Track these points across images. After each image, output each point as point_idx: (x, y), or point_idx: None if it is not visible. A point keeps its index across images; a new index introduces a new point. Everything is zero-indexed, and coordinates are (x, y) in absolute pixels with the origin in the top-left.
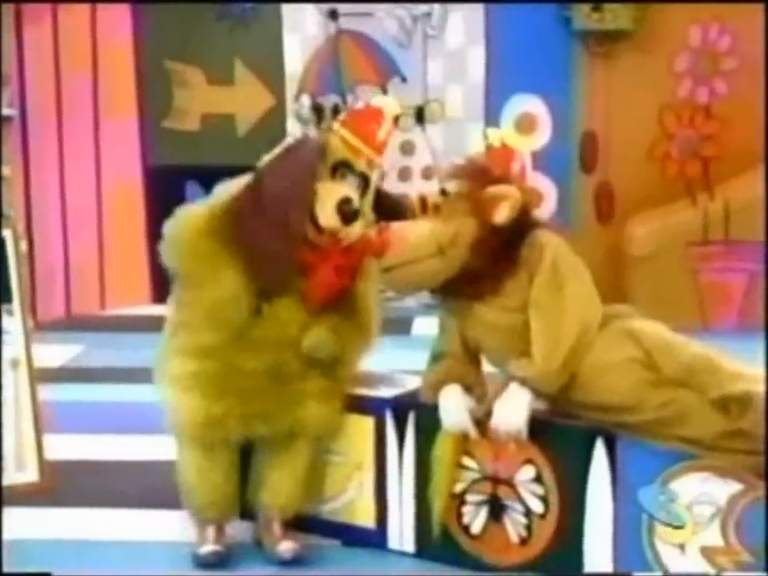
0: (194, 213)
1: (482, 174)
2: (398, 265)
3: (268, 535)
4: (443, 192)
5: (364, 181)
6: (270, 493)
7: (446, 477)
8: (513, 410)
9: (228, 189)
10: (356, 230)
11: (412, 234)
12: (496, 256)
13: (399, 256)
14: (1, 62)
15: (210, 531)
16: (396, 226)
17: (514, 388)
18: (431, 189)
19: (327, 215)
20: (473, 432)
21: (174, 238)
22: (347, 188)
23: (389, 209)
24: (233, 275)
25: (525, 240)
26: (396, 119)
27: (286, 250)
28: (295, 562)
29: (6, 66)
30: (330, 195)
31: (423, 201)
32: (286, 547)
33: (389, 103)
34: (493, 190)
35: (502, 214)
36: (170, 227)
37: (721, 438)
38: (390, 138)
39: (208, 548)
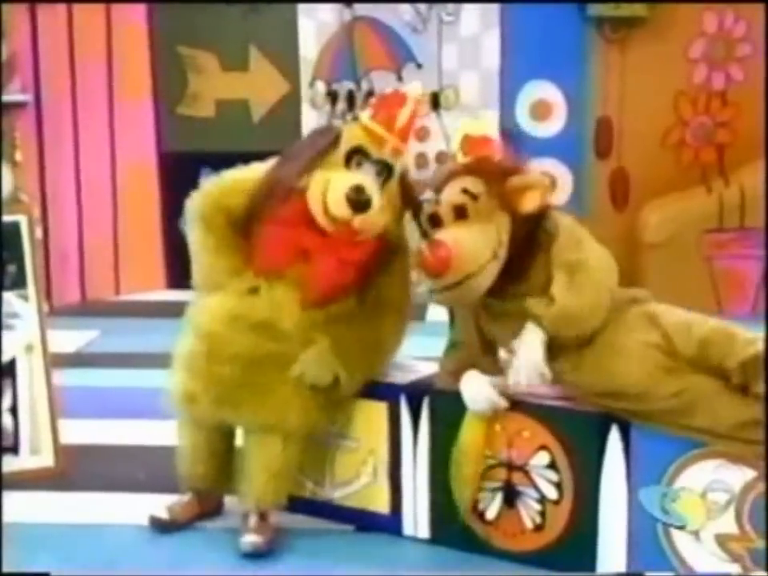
0: (217, 185)
1: (497, 169)
2: (462, 280)
3: (242, 524)
4: (467, 192)
5: (386, 169)
6: (246, 484)
7: (473, 465)
8: (531, 347)
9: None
10: (369, 221)
11: (468, 244)
12: (524, 245)
13: (462, 270)
14: (1, 50)
15: (182, 500)
16: (449, 238)
17: (530, 327)
18: (452, 192)
19: (337, 203)
20: (502, 403)
21: (192, 207)
22: (362, 176)
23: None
24: (232, 251)
25: (542, 224)
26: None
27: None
28: (257, 555)
29: (14, 51)
30: (342, 183)
31: (460, 208)
32: (247, 539)
33: (413, 88)
34: (517, 180)
35: (531, 203)
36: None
37: (734, 429)
38: (413, 124)
39: (158, 513)
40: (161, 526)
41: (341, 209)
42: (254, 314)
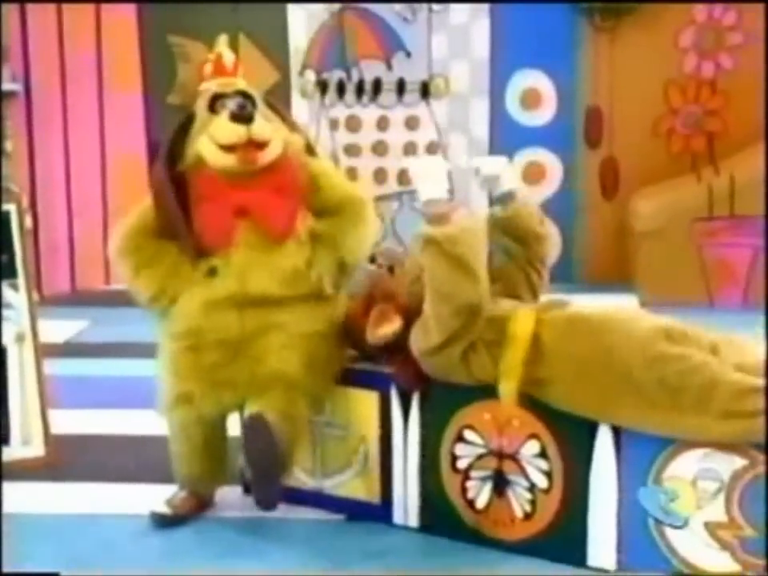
0: (130, 216)
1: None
2: None
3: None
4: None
5: (247, 99)
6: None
7: (521, 352)
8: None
9: None
10: (262, 127)
11: None
12: None
13: None
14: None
15: (179, 495)
16: None
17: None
18: None
19: (225, 130)
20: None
21: (114, 240)
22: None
23: None
24: (165, 256)
25: None
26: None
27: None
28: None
29: (7, 40)
30: (221, 119)
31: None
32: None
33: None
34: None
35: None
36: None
37: (735, 399)
38: (237, 61)
39: (159, 509)
40: (164, 521)
41: (232, 132)
42: (222, 291)
